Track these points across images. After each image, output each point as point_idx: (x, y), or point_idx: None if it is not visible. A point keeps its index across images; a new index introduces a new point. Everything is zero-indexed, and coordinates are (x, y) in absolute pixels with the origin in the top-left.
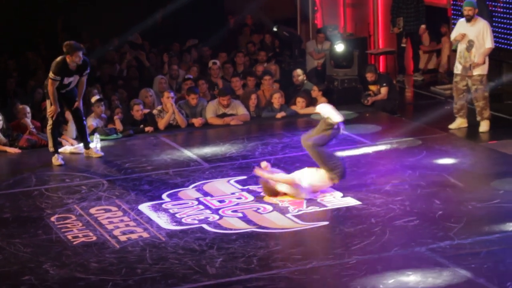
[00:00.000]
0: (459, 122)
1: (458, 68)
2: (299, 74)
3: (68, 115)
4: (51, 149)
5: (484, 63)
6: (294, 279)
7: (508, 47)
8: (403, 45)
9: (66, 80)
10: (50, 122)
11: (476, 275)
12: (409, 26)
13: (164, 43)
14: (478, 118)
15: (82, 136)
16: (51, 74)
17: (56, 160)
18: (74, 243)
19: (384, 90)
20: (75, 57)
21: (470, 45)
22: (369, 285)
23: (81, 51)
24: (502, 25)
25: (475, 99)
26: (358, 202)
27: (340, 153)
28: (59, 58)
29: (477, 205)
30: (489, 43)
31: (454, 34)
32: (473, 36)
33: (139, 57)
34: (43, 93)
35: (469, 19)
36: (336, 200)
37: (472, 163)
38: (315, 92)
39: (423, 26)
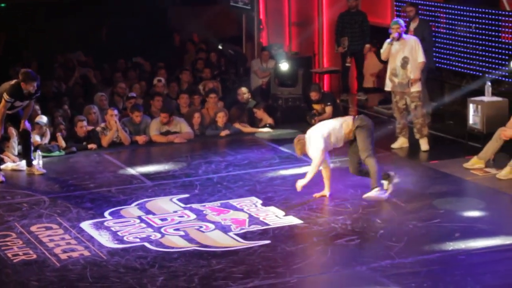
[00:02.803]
0: (401, 142)
1: (388, 85)
2: (244, 92)
3: (11, 131)
4: None
5: (420, 78)
6: None
7: (450, 67)
8: (347, 64)
9: (17, 104)
10: None
11: None
12: (354, 45)
13: (109, 60)
14: (417, 136)
15: (26, 153)
16: (5, 96)
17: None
18: (14, 261)
19: (329, 109)
20: (29, 86)
21: (404, 62)
22: None
23: (36, 82)
24: (444, 46)
25: (414, 116)
26: (300, 221)
27: (283, 172)
28: (14, 82)
29: (418, 224)
30: (421, 57)
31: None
32: (407, 53)
33: (87, 74)
34: None
35: (398, 38)
36: (278, 219)
37: (414, 183)
38: (258, 112)
39: (367, 45)
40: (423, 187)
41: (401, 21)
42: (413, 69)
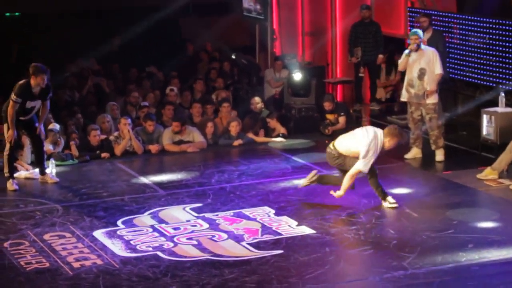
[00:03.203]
0: (415, 152)
1: (404, 96)
2: (257, 102)
3: (25, 139)
4: (7, 174)
5: (437, 90)
6: None
7: (463, 78)
8: (361, 74)
9: (29, 104)
10: (7, 147)
11: None
12: (367, 55)
13: (122, 69)
14: (433, 147)
15: (39, 162)
16: (12, 96)
17: (11, 185)
18: (27, 269)
19: (342, 120)
20: (40, 80)
21: (421, 73)
22: None
23: (46, 74)
24: (458, 56)
25: (430, 128)
26: (313, 231)
27: (296, 182)
28: (22, 81)
29: (431, 235)
30: (438, 69)
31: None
32: (424, 64)
33: (99, 83)
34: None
35: (416, 49)
36: (291, 228)
37: (427, 193)
38: (272, 122)
39: (381, 56)
40: (437, 197)
41: (420, 32)
42: (430, 81)
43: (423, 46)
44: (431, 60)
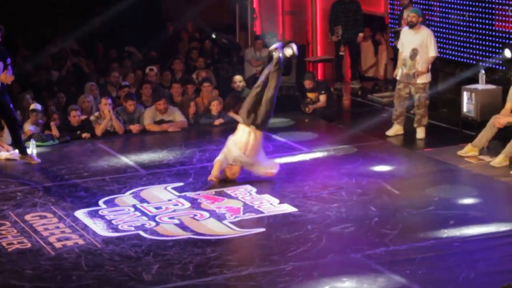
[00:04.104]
0: (396, 129)
1: (398, 74)
2: (239, 80)
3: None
4: None
5: (428, 71)
6: (230, 286)
7: (444, 55)
8: (341, 53)
9: None
10: None
11: (411, 281)
12: (347, 34)
13: (103, 49)
14: (415, 125)
15: (17, 142)
16: None
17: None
18: (9, 250)
19: (323, 98)
20: None
21: (414, 53)
22: None
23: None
24: (438, 34)
25: (416, 107)
26: (295, 209)
27: (277, 160)
28: None
29: (413, 212)
30: (432, 52)
31: (399, 43)
32: (417, 44)
33: (78, 63)
34: None
35: (411, 26)
36: (273, 207)
37: (408, 170)
38: None
39: (361, 34)
40: (417, 174)
41: (419, 11)
42: (422, 62)
43: (421, 26)
44: (425, 41)
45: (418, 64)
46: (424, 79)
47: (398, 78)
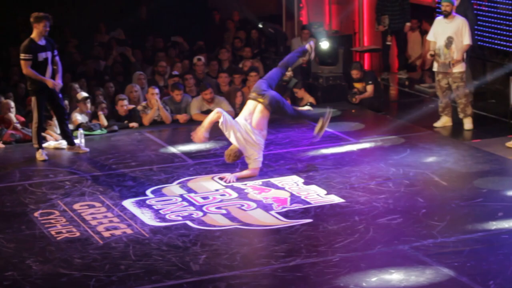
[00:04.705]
0: (444, 121)
1: (434, 65)
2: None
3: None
4: (36, 145)
5: (463, 60)
6: (277, 276)
7: (492, 45)
8: (388, 43)
9: (40, 57)
10: (35, 117)
11: (459, 274)
12: (394, 24)
13: (148, 39)
14: (461, 116)
15: (65, 134)
16: (21, 56)
17: (40, 155)
18: (58, 238)
19: (370, 88)
20: (42, 27)
21: (449, 42)
22: (352, 282)
23: (47, 21)
24: (487, 24)
25: (457, 97)
26: (342, 200)
27: (324, 151)
28: (25, 40)
29: (461, 204)
30: (467, 40)
31: (431, 32)
32: (452, 33)
33: (124, 52)
34: (25, 88)
35: (446, 15)
36: (320, 197)
37: (456, 162)
38: (299, 92)
39: (408, 24)
40: (466, 166)
41: None
42: (457, 50)
43: (455, 14)
44: (460, 29)
45: (454, 53)
46: (460, 68)
47: (434, 69)
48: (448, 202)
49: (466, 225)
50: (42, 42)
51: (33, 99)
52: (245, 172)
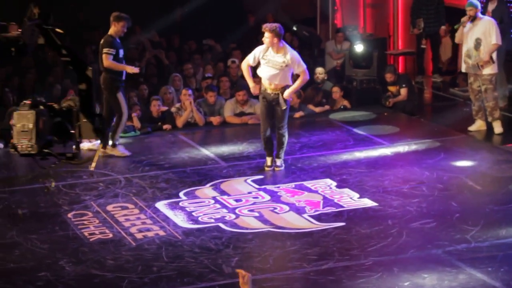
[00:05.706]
0: (479, 125)
1: (463, 67)
2: (320, 72)
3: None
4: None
5: (490, 60)
6: (309, 280)
7: None
8: (422, 46)
9: (121, 53)
10: (124, 112)
11: (492, 279)
12: (429, 27)
13: (182, 41)
14: (490, 119)
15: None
16: (105, 50)
17: (122, 152)
18: (91, 239)
19: (404, 91)
20: (121, 26)
21: (477, 43)
22: (385, 286)
23: (126, 22)
24: None
25: (485, 99)
26: (375, 204)
27: (357, 154)
28: (104, 36)
29: (495, 208)
30: (494, 39)
31: (458, 36)
32: (480, 34)
33: (158, 55)
34: (61, 89)
35: (472, 20)
36: (353, 201)
37: (490, 166)
38: (336, 93)
39: (443, 27)
40: (500, 170)
41: (475, 2)
42: (485, 51)
43: (480, 16)
44: (487, 29)
45: (483, 54)
46: (490, 70)
47: (464, 70)
48: (482, 207)
49: (500, 230)
50: (119, 40)
51: (118, 96)
52: (298, 82)
